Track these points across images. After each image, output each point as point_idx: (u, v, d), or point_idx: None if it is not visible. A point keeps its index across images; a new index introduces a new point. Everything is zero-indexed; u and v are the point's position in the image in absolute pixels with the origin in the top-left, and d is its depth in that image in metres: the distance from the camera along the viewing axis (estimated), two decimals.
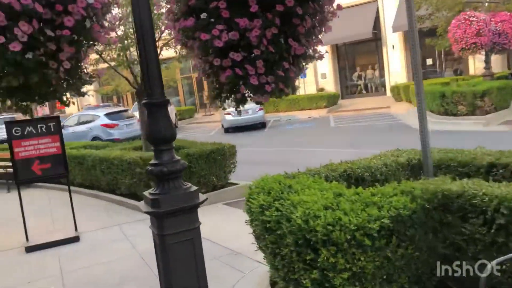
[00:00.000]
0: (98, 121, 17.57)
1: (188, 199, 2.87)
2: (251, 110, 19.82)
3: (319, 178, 3.75)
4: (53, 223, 7.42)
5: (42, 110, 38.40)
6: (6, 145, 16.68)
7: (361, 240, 2.60)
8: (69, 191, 6.47)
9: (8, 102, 4.39)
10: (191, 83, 35.13)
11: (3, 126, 22.13)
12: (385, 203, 2.83)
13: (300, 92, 29.49)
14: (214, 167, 7.75)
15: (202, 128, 24.79)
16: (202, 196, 2.98)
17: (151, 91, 2.83)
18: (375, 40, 27.19)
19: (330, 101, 24.11)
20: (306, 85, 29.15)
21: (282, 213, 3.14)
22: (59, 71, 3.82)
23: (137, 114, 23.04)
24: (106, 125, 17.33)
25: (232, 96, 3.43)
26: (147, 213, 2.86)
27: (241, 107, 3.61)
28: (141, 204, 3.05)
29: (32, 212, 8.35)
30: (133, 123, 17.80)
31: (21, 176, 6.10)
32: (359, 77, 29.13)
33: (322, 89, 28.55)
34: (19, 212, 8.37)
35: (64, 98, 4.58)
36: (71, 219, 7.29)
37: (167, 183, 2.87)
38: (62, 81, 4.15)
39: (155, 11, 7.94)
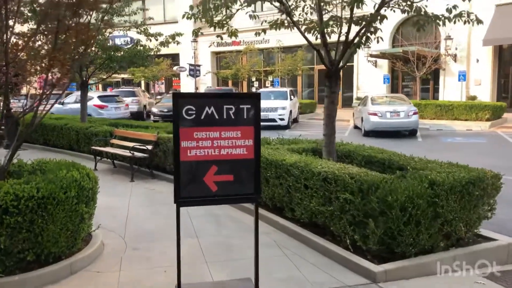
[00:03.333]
0: (91, 102, 19.72)
1: None
2: (403, 113, 16.30)
3: None
4: (204, 259, 4.83)
5: (158, 88, 38.15)
6: (129, 121, 15.26)
7: None
8: (256, 228, 3.70)
9: None
10: (312, 75, 32.12)
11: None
12: None
13: (441, 97, 25.09)
14: (467, 207, 4.62)
15: None
16: None
17: None
18: None
19: (495, 113, 19.53)
20: (449, 90, 24.64)
21: None
22: None
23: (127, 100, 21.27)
24: (98, 106, 20.25)
25: None
26: None
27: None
28: None
29: (163, 224, 5.94)
30: (121, 106, 21.49)
31: (186, 191, 3.50)
32: None
33: (474, 97, 23.84)
34: (154, 222, 6.07)
35: None
36: (230, 254, 4.69)
37: None
38: None
39: None
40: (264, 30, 6.45)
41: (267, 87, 32.58)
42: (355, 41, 5.75)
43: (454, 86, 24.49)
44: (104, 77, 16.04)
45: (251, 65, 30.56)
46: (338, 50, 6.17)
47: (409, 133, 16.91)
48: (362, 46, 5.81)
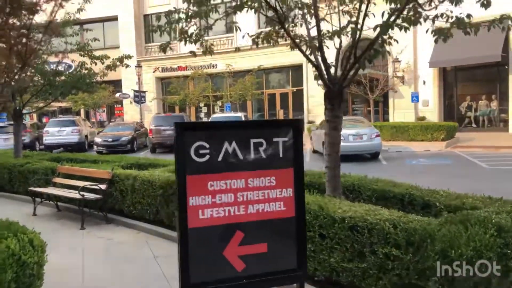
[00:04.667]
0: None
1: None
2: (366, 136, 15.82)
3: None
4: None
5: (99, 116, 35.77)
6: (74, 154, 13.34)
7: None
8: None
9: None
10: (261, 99, 31.44)
11: (51, 129, 19.34)
12: None
13: (391, 119, 25.31)
14: None
15: None
16: None
17: None
18: (497, 66, 22.67)
19: (449, 133, 19.69)
20: (399, 112, 24.96)
21: None
22: None
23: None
24: None
25: None
26: None
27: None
28: None
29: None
30: (10, 137, 19.88)
31: (198, 274, 2.28)
32: (469, 108, 24.58)
33: (422, 118, 24.24)
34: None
35: None
36: None
37: None
38: None
39: None
40: (256, 44, 5.37)
41: (216, 112, 31.56)
42: (364, 53, 4.81)
43: (403, 107, 24.83)
44: (42, 105, 14.19)
45: (200, 90, 29.36)
46: (337, 66, 5.23)
47: (371, 156, 16.45)
48: (373, 60, 4.91)
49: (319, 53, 5.27)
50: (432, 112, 24.70)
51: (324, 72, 5.24)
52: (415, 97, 22.54)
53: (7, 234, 3.29)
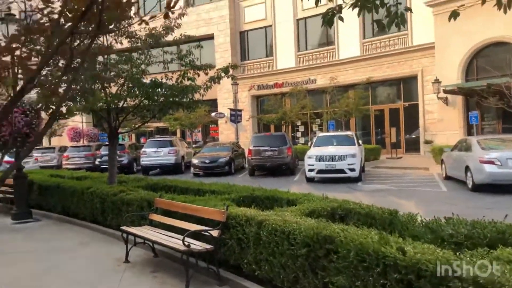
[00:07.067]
0: None
1: None
2: None
3: None
4: None
5: (195, 136, 35.13)
6: (173, 181, 11.49)
7: None
8: None
9: None
10: (367, 116, 27.95)
11: (148, 150, 17.00)
12: None
13: None
14: None
15: (404, 176, 17.53)
16: None
17: None
18: None
19: None
20: None
21: None
22: None
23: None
24: None
25: None
26: None
27: None
28: None
29: None
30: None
31: None
32: None
33: None
34: None
35: None
36: None
37: None
38: None
39: None
40: None
41: (314, 131, 29.13)
42: None
43: None
44: (139, 124, 12.81)
45: (300, 107, 27.10)
46: None
47: None
48: None
49: None
50: None
51: None
52: None
53: None
